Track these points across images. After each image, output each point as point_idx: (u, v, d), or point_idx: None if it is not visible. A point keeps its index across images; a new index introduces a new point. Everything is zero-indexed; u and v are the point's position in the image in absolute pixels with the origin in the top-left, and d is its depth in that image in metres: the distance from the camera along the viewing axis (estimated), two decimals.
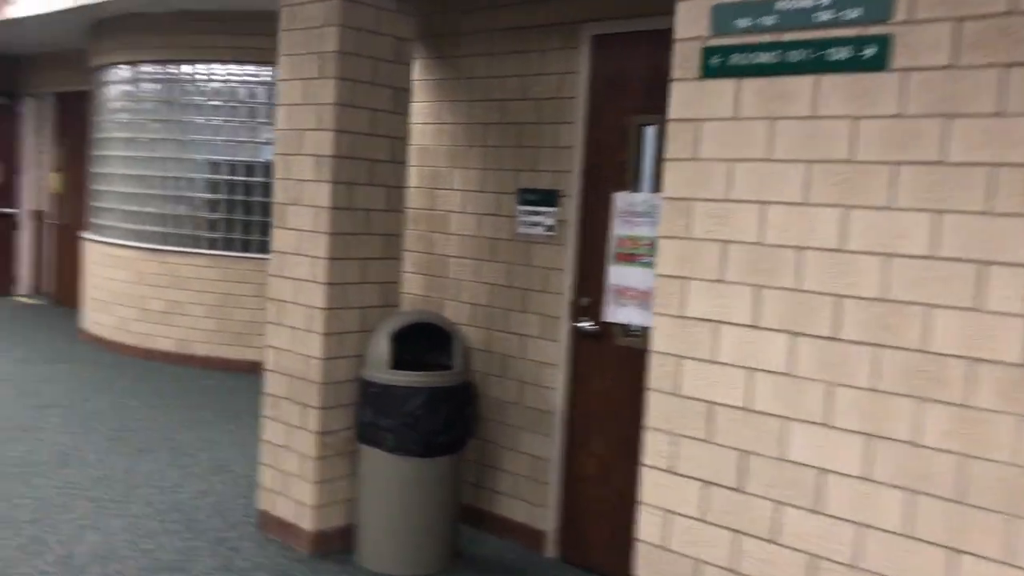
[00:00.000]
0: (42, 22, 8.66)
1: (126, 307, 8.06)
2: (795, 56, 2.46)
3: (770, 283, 2.51)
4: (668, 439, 2.72)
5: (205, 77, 7.75)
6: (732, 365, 2.59)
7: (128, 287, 8.04)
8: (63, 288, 10.57)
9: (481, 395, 4.40)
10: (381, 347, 3.92)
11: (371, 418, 3.89)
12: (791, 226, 2.47)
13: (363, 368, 4.00)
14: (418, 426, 3.82)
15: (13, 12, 7.73)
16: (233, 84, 7.67)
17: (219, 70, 7.69)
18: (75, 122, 10.31)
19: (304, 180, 4.04)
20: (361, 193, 4.04)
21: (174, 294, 7.80)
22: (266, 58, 7.39)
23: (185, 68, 7.80)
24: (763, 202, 2.52)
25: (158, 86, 7.96)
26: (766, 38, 2.51)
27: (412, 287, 4.69)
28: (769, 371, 2.51)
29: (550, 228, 4.18)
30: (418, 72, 4.65)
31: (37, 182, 11.45)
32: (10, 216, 11.18)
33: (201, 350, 7.75)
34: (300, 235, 4.06)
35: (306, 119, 4.02)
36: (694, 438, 2.67)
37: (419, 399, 3.82)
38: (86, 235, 8.79)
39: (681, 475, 2.70)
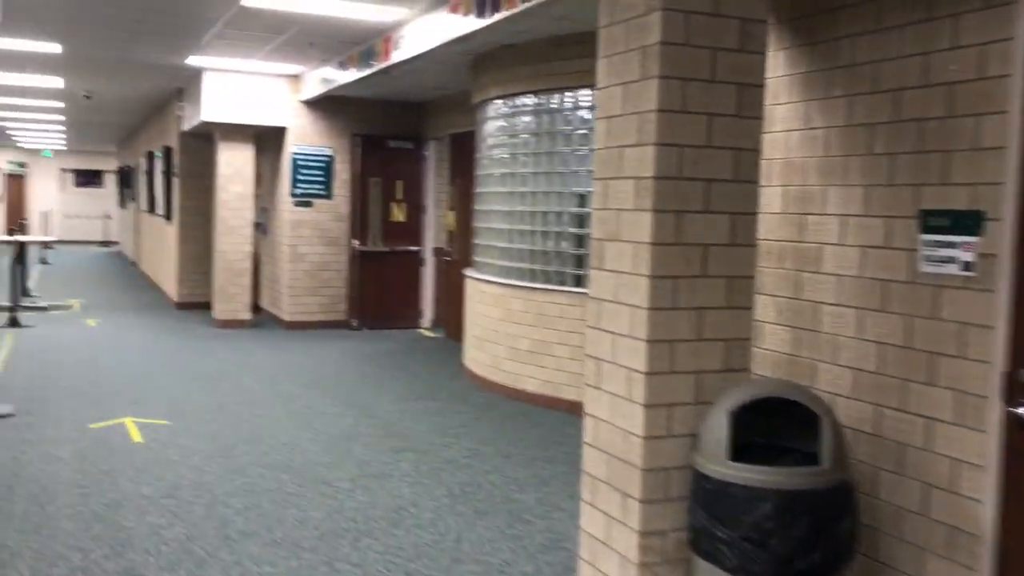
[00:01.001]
0: (433, 67, 8.89)
1: (498, 345, 7.85)
2: None
3: None
4: None
5: (572, 105, 7.30)
6: None
7: (500, 324, 7.82)
8: (455, 323, 10.85)
9: (865, 498, 3.21)
10: (718, 429, 2.95)
11: (704, 523, 2.93)
12: None
13: (695, 454, 3.06)
14: (768, 543, 2.78)
15: (397, 56, 7.97)
16: (589, 110, 7.12)
17: (586, 96, 7.19)
18: (465, 161, 10.55)
19: (622, 209, 3.21)
20: (694, 223, 3.11)
21: (541, 333, 7.41)
22: None
23: (554, 97, 7.41)
24: None
25: (529, 118, 7.68)
26: None
27: (770, 344, 3.63)
28: None
29: (968, 266, 2.91)
30: (777, 65, 3.61)
31: (437, 220, 11.99)
32: (417, 253, 11.81)
33: (567, 394, 7.24)
34: (618, 279, 3.24)
35: (625, 133, 3.20)
36: None
37: (769, 506, 2.79)
38: (467, 272, 8.81)
39: None
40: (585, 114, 7.23)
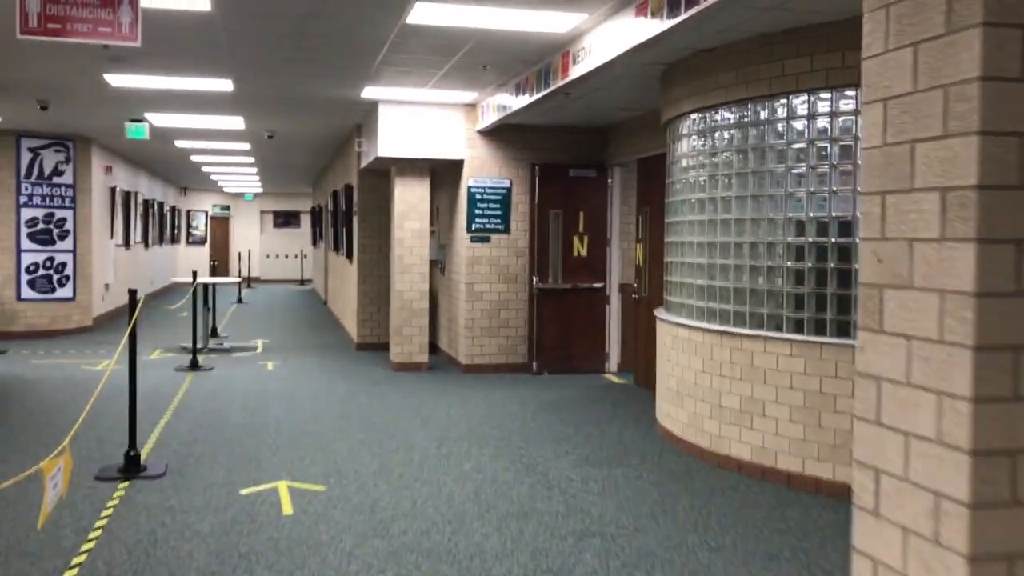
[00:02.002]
0: (616, 83, 7.93)
1: (699, 400, 6.68)
2: None
3: None
4: None
5: (785, 114, 6.09)
6: None
7: (700, 376, 6.66)
8: (646, 369, 9.72)
9: None
10: None
11: None
12: None
13: None
14: None
15: (577, 71, 7.06)
16: (821, 118, 5.88)
17: (803, 103, 5.97)
18: (654, 188, 9.48)
19: (918, 239, 2.07)
20: None
21: (751, 388, 6.18)
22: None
23: (763, 106, 6.24)
24: None
25: (732, 133, 6.53)
26: None
27: None
28: None
29: None
30: None
31: (623, 254, 10.94)
32: (601, 290, 10.80)
33: (785, 463, 5.97)
34: (913, 349, 2.09)
35: (921, 119, 2.06)
36: None
37: None
38: (659, 313, 7.70)
39: None
40: (800, 125, 6.00)
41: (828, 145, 5.86)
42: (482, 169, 10.70)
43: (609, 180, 10.82)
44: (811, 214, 5.94)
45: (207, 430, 7.46)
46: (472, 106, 10.59)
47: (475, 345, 10.72)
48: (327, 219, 19.36)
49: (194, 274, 11.48)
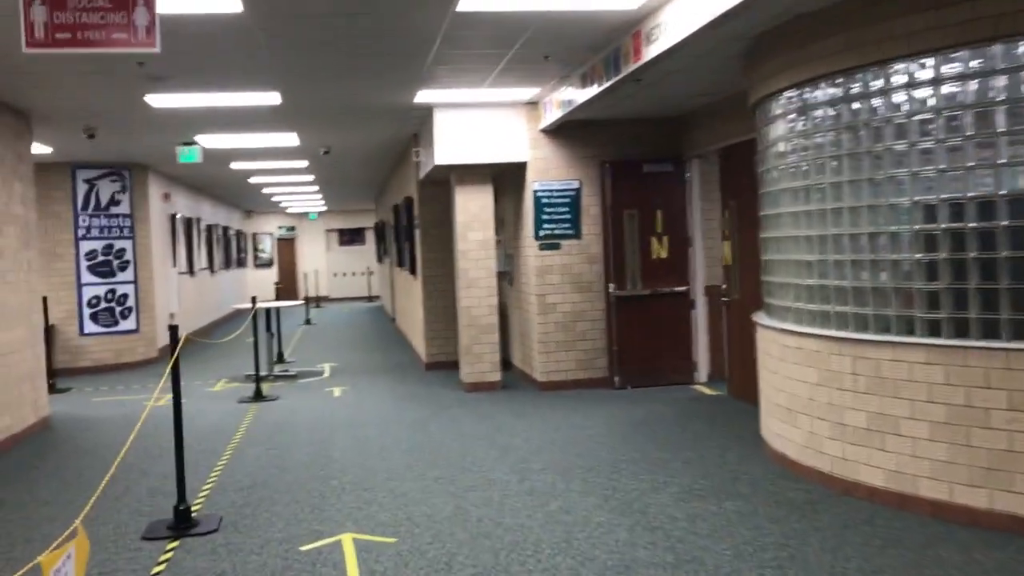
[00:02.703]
0: (694, 65, 7.12)
1: (815, 418, 5.82)
2: None
3: None
4: None
5: (905, 81, 5.20)
6: None
7: (816, 390, 5.79)
8: (741, 379, 8.85)
9: None
10: None
11: None
12: None
13: None
14: None
15: (651, 52, 6.27)
16: (950, 83, 4.98)
17: (926, 67, 5.07)
18: (741, 179, 8.62)
19: None
20: None
21: (879, 403, 5.30)
22: (1005, 30, 4.59)
23: (874, 74, 5.36)
24: None
25: (837, 109, 5.66)
26: None
27: None
28: None
29: None
30: None
31: (707, 253, 10.07)
32: (684, 294, 9.95)
33: (928, 490, 5.07)
34: None
35: None
36: None
37: None
38: (759, 318, 6.85)
39: None
40: (924, 92, 5.10)
41: (961, 114, 4.95)
42: (547, 171, 9.96)
43: (687, 174, 9.97)
44: (942, 196, 5.04)
45: (268, 471, 6.85)
46: (533, 104, 9.86)
47: (551, 361, 9.97)
48: (390, 234, 18.85)
49: (253, 299, 10.97)
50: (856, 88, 5.48)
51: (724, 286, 9.13)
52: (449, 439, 7.71)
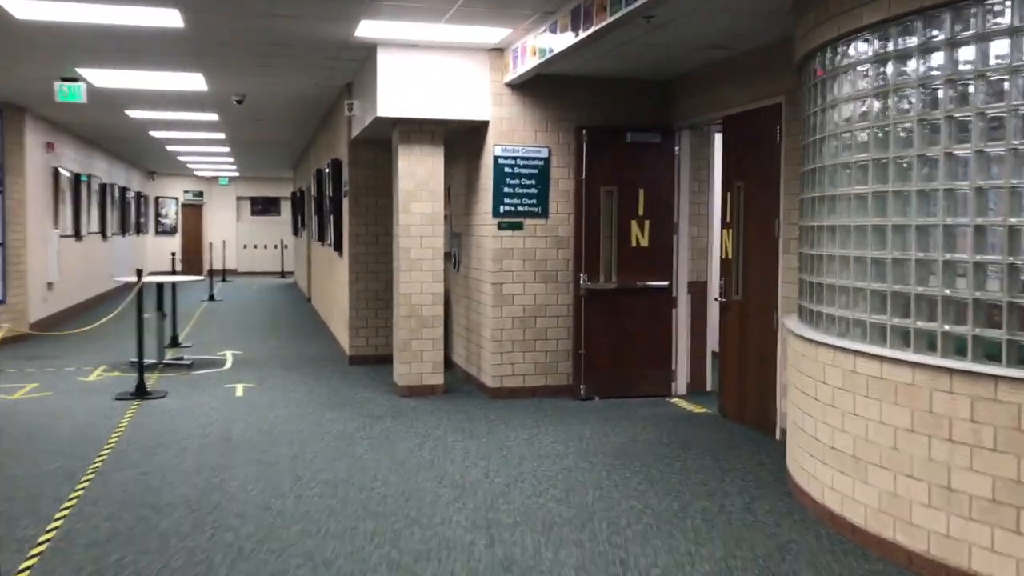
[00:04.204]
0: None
1: (902, 476, 4.27)
2: None
3: None
4: None
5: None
6: None
7: (906, 438, 4.25)
8: (738, 396, 7.33)
9: None
10: None
11: None
12: None
13: None
14: None
15: None
16: None
17: None
18: (751, 155, 7.07)
19: None
20: None
21: (1017, 466, 3.76)
22: None
23: (979, 10, 3.81)
24: None
25: (922, 61, 4.10)
26: None
27: None
28: None
29: None
30: None
31: (692, 243, 8.52)
32: (666, 290, 8.38)
33: None
34: None
35: None
36: None
37: None
38: (794, 326, 5.29)
39: None
40: None
41: None
42: (512, 134, 8.24)
43: (676, 147, 8.38)
44: None
45: (136, 511, 4.98)
46: (499, 51, 8.12)
47: (505, 363, 8.28)
48: (310, 205, 16.84)
49: (138, 272, 8.95)
50: (967, 29, 3.91)
51: (721, 283, 7.58)
52: (385, 469, 5.95)
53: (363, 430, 7.05)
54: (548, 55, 6.97)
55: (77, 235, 15.51)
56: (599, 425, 7.23)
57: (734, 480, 5.70)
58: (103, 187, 18.07)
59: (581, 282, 8.20)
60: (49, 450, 6.36)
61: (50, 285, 13.57)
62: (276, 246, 28.72)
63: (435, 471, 5.87)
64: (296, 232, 22.66)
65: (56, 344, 11.76)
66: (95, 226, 17.31)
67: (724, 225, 7.57)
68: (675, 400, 8.28)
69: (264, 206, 29.11)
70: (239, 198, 28.85)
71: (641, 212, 8.31)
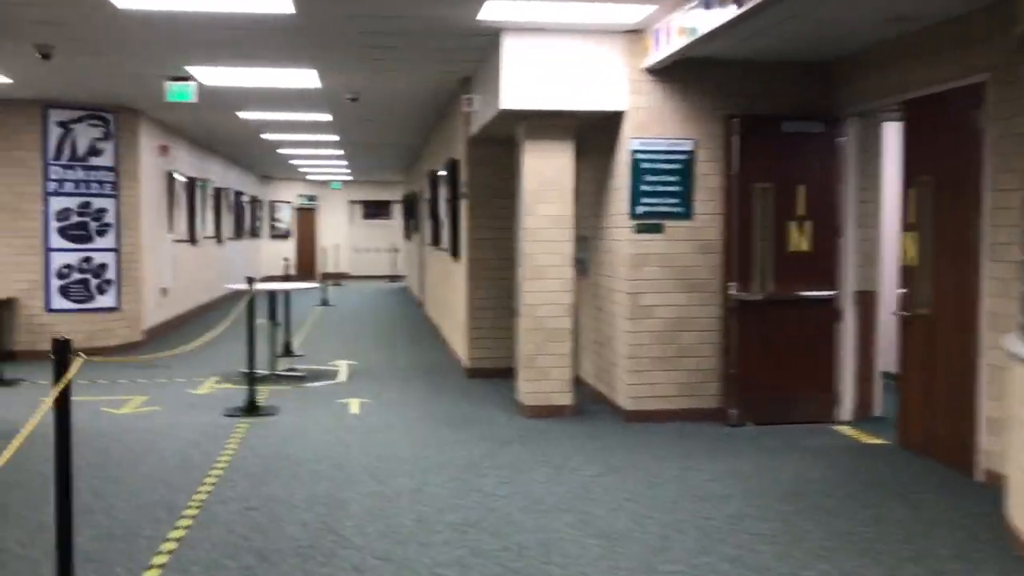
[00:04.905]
0: None
1: None
2: None
3: None
4: None
5: None
6: None
7: None
8: (925, 427, 6.25)
9: None
10: None
11: None
12: None
13: None
14: None
15: None
16: None
17: None
18: (944, 143, 6.00)
19: None
20: None
21: None
22: None
23: None
24: None
25: None
26: None
27: None
28: None
29: None
30: None
31: (863, 247, 7.46)
32: (829, 302, 7.34)
33: None
34: None
35: None
36: None
37: None
38: (1020, 349, 4.25)
39: None
40: None
41: None
42: (651, 125, 7.35)
43: (841, 138, 7.34)
44: None
45: (239, 565, 4.32)
46: (637, 33, 7.24)
47: (643, 383, 7.40)
48: (423, 208, 16.31)
49: (249, 280, 8.45)
50: None
51: (901, 294, 6.51)
52: (518, 510, 5.15)
53: (489, 458, 6.28)
54: (697, 34, 6.07)
55: (192, 240, 15.38)
56: (759, 458, 6.27)
57: (942, 535, 4.68)
58: (218, 191, 18.00)
59: (731, 292, 7.24)
60: (152, 476, 5.83)
61: (164, 291, 13.39)
62: (387, 250, 28.52)
63: (576, 514, 5.05)
64: (408, 236, 22.27)
65: (170, 350, 11.45)
66: (210, 230, 17.22)
67: (905, 227, 6.50)
68: (840, 428, 7.23)
69: (375, 210, 28.96)
70: (351, 202, 28.77)
71: (800, 212, 7.30)
